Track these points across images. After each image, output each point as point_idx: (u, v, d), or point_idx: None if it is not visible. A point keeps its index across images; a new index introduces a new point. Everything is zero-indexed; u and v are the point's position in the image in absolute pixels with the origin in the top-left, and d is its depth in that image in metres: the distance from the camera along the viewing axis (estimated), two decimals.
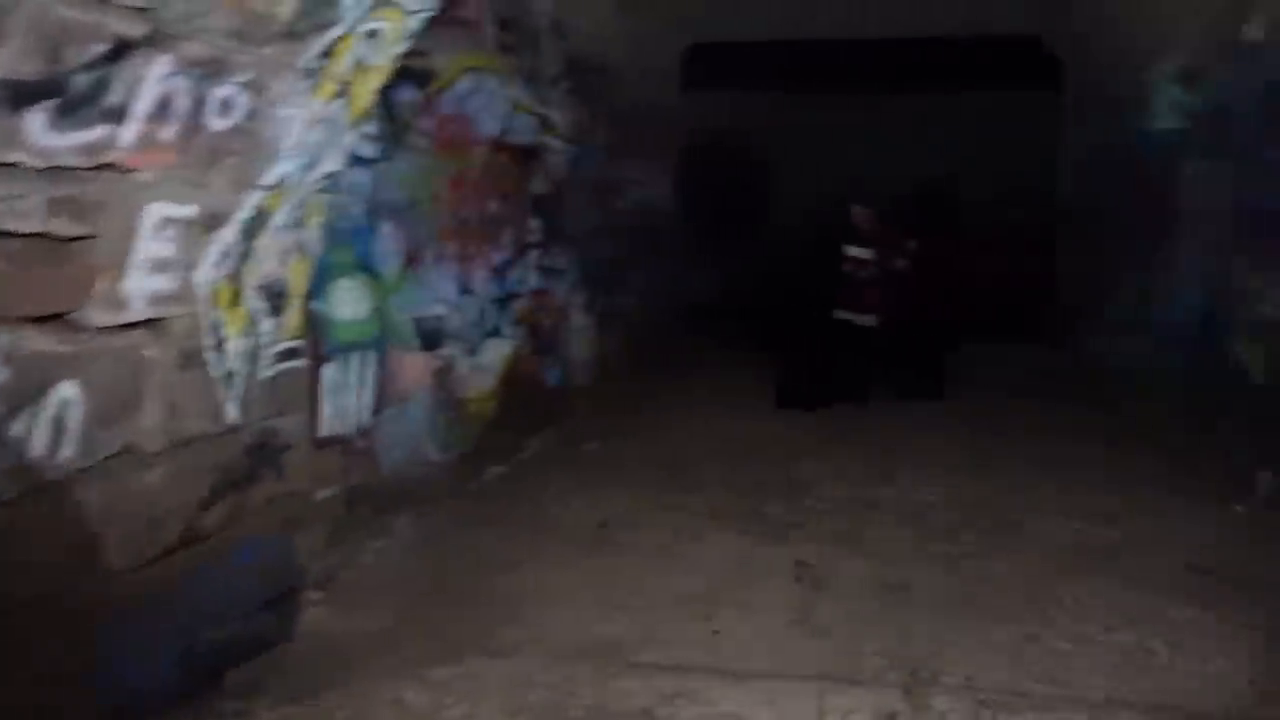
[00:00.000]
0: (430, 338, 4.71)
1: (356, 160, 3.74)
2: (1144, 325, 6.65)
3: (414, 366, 4.56)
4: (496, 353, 5.54)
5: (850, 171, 9.55)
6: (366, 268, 4.09)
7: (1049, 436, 6.44)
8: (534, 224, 6.09)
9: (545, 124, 6.12)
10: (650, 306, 9.28)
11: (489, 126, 5.20)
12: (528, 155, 5.90)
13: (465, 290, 5.10)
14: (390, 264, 4.28)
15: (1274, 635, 3.52)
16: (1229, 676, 3.24)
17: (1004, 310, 9.57)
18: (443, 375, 4.86)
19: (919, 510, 4.95)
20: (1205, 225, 5.62)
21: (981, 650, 3.40)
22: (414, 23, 3.05)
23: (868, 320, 7.18)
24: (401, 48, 3.15)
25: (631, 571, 4.13)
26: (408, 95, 4.21)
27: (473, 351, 5.21)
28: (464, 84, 4.80)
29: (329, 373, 3.81)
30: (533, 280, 6.11)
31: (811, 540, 4.51)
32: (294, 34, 2.58)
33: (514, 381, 5.78)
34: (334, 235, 3.73)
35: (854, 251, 7.13)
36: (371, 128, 3.88)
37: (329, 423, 3.84)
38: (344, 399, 3.93)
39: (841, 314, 7.21)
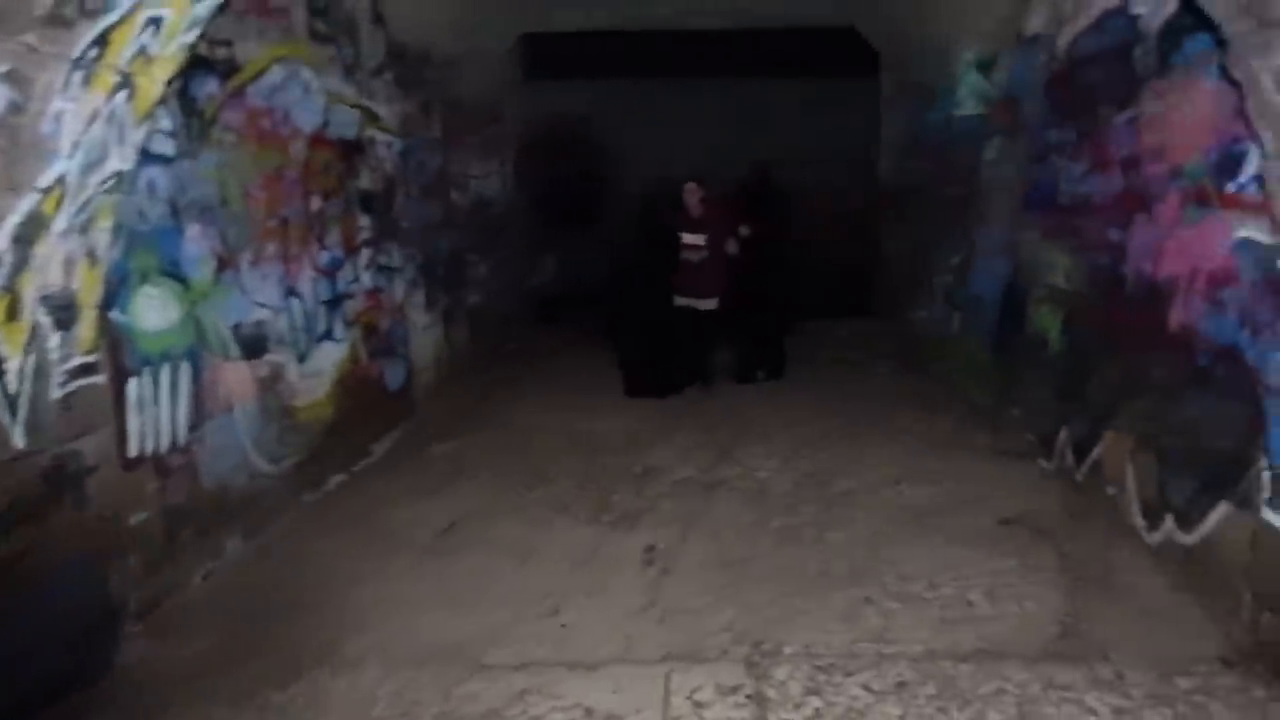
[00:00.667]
0: (253, 344, 4.44)
1: (152, 158, 3.49)
2: (958, 297, 7.11)
3: (235, 376, 4.29)
4: (329, 357, 5.30)
5: (687, 159, 9.71)
6: (173, 273, 3.81)
7: (876, 407, 6.80)
8: (364, 221, 5.86)
9: (370, 117, 5.89)
10: (494, 301, 9.15)
11: (305, 120, 4.94)
12: (352, 149, 5.65)
13: (290, 293, 4.85)
14: (201, 268, 3.99)
15: (1075, 577, 3.87)
16: (1037, 617, 3.54)
17: (834, 288, 10.03)
18: (269, 383, 4.61)
19: (760, 488, 5.12)
20: (1003, 203, 6.06)
21: (820, 618, 3.57)
22: (202, 10, 2.84)
23: (709, 305, 7.33)
24: (191, 36, 2.93)
25: (480, 572, 4.08)
26: (209, 87, 3.94)
27: (302, 357, 4.96)
28: (274, 75, 4.53)
29: (135, 387, 3.54)
30: (366, 280, 5.87)
31: (659, 525, 4.59)
32: (58, 20, 2.35)
33: (351, 385, 5.56)
34: (132, 239, 3.49)
35: (687, 238, 7.25)
36: (167, 123, 3.62)
37: (139, 440, 3.57)
38: (155, 414, 3.67)
39: (681, 300, 7.33)
